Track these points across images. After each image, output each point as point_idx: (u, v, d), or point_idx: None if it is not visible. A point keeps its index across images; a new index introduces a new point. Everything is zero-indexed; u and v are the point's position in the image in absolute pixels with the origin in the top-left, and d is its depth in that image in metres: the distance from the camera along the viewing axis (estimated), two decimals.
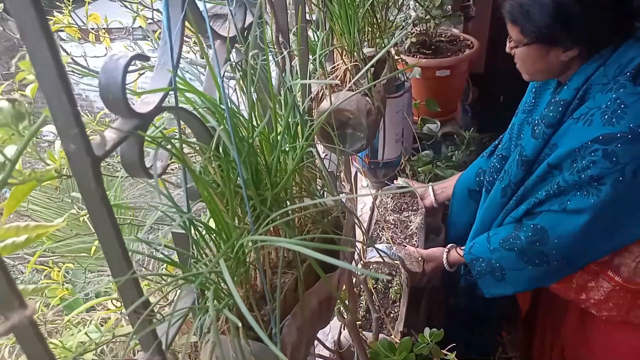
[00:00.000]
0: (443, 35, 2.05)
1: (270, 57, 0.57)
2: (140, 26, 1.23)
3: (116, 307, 0.75)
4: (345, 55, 0.83)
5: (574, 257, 1.08)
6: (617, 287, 1.10)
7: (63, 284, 0.79)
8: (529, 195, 1.14)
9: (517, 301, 1.53)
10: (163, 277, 0.49)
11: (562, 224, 1.06)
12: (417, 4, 1.86)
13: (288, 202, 0.49)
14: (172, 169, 0.53)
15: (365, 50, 0.88)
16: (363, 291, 1.18)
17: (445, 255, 1.27)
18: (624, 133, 0.95)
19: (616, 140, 0.95)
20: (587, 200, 1.01)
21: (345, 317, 0.86)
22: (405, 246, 1.33)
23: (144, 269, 0.91)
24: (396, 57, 1.35)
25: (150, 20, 1.21)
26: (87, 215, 0.35)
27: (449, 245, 1.30)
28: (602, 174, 0.97)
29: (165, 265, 0.65)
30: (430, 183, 1.56)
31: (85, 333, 0.67)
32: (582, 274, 1.13)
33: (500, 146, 1.35)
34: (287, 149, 0.50)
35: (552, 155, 1.07)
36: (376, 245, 1.32)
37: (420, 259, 1.28)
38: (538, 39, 1.06)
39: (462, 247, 1.26)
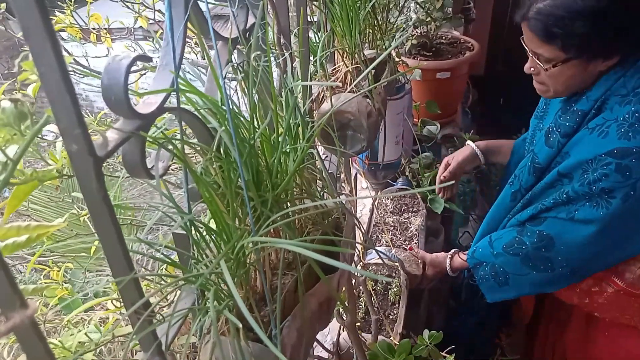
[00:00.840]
0: (443, 38, 2.05)
1: (272, 59, 0.57)
2: (141, 26, 1.23)
3: (115, 307, 0.75)
4: (346, 57, 0.83)
5: (579, 266, 1.07)
6: (621, 292, 1.09)
7: (62, 284, 0.79)
8: (535, 200, 1.13)
9: (517, 304, 1.53)
10: (163, 277, 0.49)
11: (569, 233, 1.05)
12: (417, 6, 1.86)
13: (288, 204, 0.50)
14: (173, 170, 0.53)
15: (366, 52, 0.88)
16: (362, 293, 1.18)
17: (448, 262, 1.27)
18: None
19: (631, 155, 0.93)
20: (596, 212, 1.00)
21: (345, 318, 0.86)
22: (405, 249, 1.33)
23: (143, 269, 0.91)
24: (397, 59, 1.35)
25: (151, 21, 1.22)
26: (88, 215, 0.35)
27: (452, 250, 1.29)
28: (613, 187, 0.96)
29: (165, 266, 0.65)
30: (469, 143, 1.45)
31: (85, 333, 0.67)
32: (585, 280, 1.12)
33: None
34: (288, 150, 0.50)
35: (563, 164, 1.05)
36: (376, 248, 1.32)
37: (420, 261, 1.28)
38: (582, 53, 0.97)
39: (465, 252, 1.25)
